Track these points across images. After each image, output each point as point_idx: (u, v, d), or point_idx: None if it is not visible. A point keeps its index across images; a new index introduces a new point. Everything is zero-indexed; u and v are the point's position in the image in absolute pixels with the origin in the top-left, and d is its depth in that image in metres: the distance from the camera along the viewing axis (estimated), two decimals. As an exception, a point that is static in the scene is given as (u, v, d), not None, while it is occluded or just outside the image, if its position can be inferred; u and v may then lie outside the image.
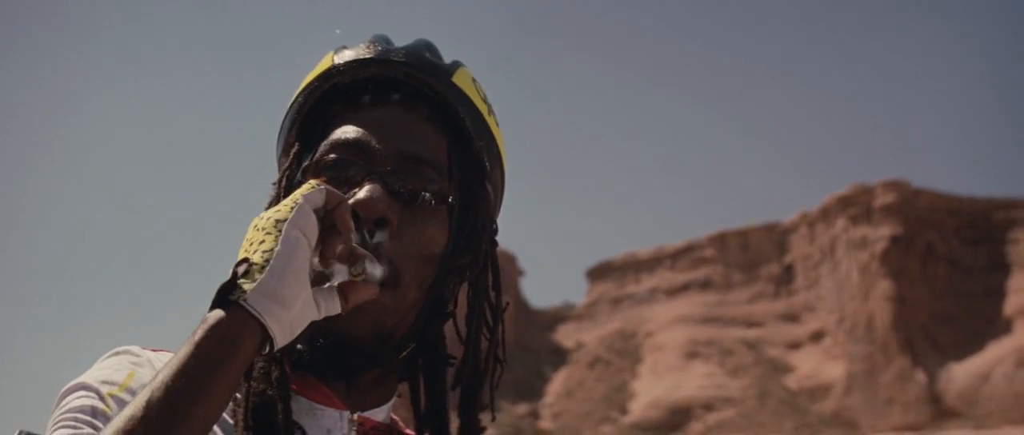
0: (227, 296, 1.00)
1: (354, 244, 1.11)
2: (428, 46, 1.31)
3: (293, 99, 1.32)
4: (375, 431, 1.27)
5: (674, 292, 74.46)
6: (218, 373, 0.97)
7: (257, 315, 1.00)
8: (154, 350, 1.21)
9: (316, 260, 1.08)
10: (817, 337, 67.40)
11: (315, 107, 1.29)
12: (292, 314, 1.03)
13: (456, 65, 1.31)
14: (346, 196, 1.13)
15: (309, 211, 1.06)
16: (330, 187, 1.10)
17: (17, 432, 0.94)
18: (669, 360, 68.23)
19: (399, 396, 1.32)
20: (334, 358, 1.19)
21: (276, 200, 1.26)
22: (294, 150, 1.29)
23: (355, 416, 1.24)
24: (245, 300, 1.00)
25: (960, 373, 59.11)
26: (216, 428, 1.11)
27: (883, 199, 64.69)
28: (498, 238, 1.35)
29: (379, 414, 1.27)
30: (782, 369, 66.31)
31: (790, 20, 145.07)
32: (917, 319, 61.82)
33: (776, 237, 73.19)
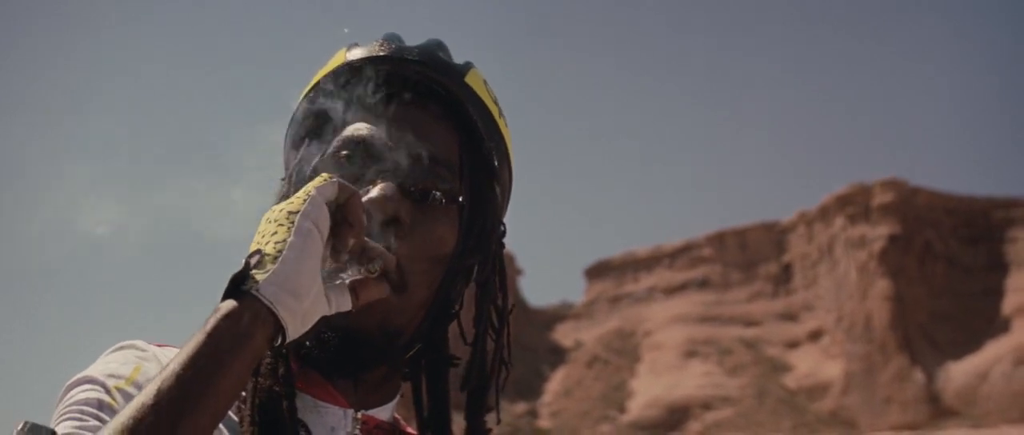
0: (239, 286, 1.00)
1: (366, 240, 1.10)
2: (440, 46, 1.31)
3: (303, 94, 1.31)
4: (379, 430, 1.26)
5: (672, 291, 74.45)
6: (231, 363, 0.96)
7: (270, 305, 0.99)
8: (159, 345, 1.20)
9: (327, 255, 1.07)
10: (815, 336, 67.40)
11: (325, 104, 1.28)
12: (305, 306, 1.02)
13: (468, 66, 1.31)
14: (359, 192, 1.12)
15: (322, 204, 1.05)
16: (343, 181, 1.09)
17: (23, 423, 0.94)
18: (667, 359, 68.22)
19: (401, 395, 1.32)
20: (342, 355, 1.19)
21: (286, 195, 1.24)
22: (304, 146, 1.28)
23: (359, 414, 1.23)
24: (258, 290, 0.99)
25: (958, 372, 59.13)
26: (221, 426, 1.09)
27: (881, 198, 64.69)
28: (504, 240, 1.35)
29: (383, 413, 1.27)
30: (780, 368, 66.31)
31: (789, 20, 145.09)
32: (915, 318, 61.84)
33: (774, 236, 73.19)
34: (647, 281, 76.26)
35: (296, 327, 1.02)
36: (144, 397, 0.93)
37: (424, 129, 1.24)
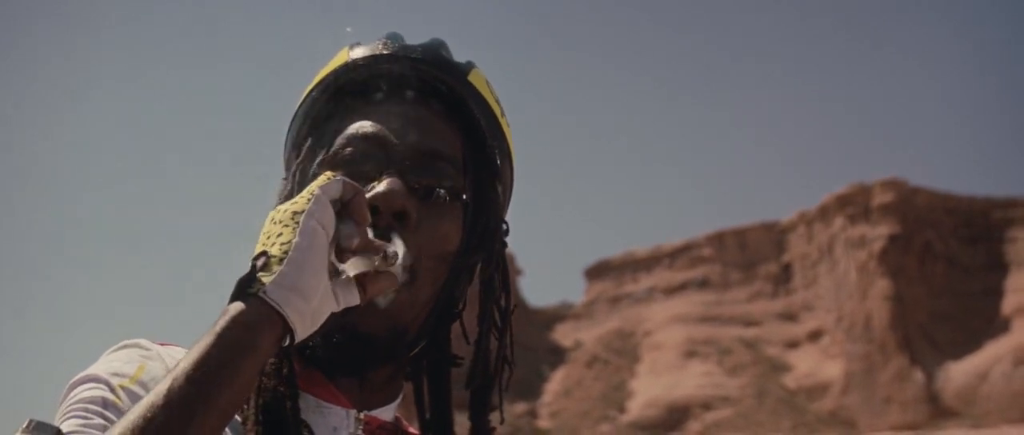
0: (246, 289, 0.99)
1: (371, 236, 1.09)
2: (443, 45, 1.31)
3: (306, 93, 1.31)
4: (381, 430, 1.26)
5: (672, 291, 74.46)
6: (239, 365, 0.96)
7: (277, 307, 0.99)
8: (162, 344, 1.20)
9: (332, 252, 1.06)
10: (815, 336, 67.42)
11: (328, 102, 1.29)
12: (312, 306, 1.02)
13: (470, 65, 1.31)
14: (364, 189, 1.11)
15: (326, 202, 1.05)
16: (346, 178, 1.09)
17: (27, 421, 0.94)
18: (667, 359, 68.24)
19: (402, 396, 1.32)
20: (348, 354, 1.19)
21: (289, 194, 1.24)
22: (307, 144, 1.28)
23: (362, 415, 1.23)
24: (265, 292, 0.99)
25: (958, 372, 59.14)
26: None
27: (881, 198, 64.71)
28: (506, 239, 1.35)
29: (386, 413, 1.27)
30: (780, 368, 66.33)
31: (788, 19, 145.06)
32: (915, 318, 61.85)
33: (774, 236, 73.21)
34: (647, 281, 76.28)
35: (305, 328, 1.02)
36: (153, 398, 0.93)
37: (428, 126, 1.24)
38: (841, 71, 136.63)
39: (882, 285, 62.36)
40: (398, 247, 1.12)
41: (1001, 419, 55.68)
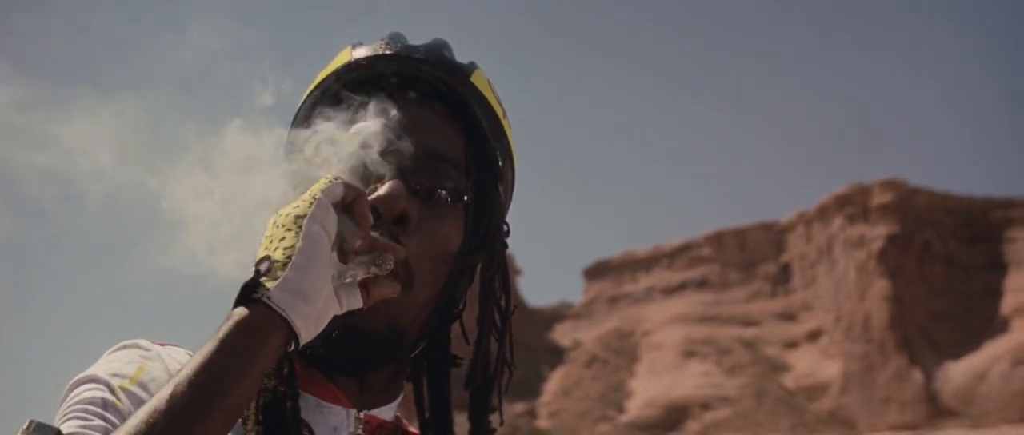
0: (250, 294, 1.00)
1: (374, 236, 1.10)
2: (445, 45, 1.30)
3: (307, 93, 1.31)
4: (381, 429, 1.25)
5: (671, 291, 74.44)
6: (244, 370, 0.97)
7: (282, 313, 0.99)
8: (162, 344, 1.20)
9: (335, 254, 1.07)
10: (814, 336, 67.41)
11: (330, 102, 1.27)
12: (317, 310, 1.02)
13: (473, 66, 1.31)
14: (366, 191, 1.12)
15: (329, 206, 1.05)
16: (348, 181, 1.09)
17: (28, 422, 0.94)
18: (666, 359, 68.22)
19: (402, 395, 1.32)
20: (348, 354, 1.18)
21: (290, 196, 1.22)
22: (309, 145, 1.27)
23: (362, 414, 1.23)
24: (269, 298, 0.99)
25: (957, 372, 59.14)
26: None
27: (880, 198, 64.69)
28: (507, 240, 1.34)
29: (386, 413, 1.26)
30: (779, 368, 66.32)
31: (787, 19, 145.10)
32: (914, 318, 61.85)
33: (773, 236, 73.19)
34: (646, 281, 76.25)
35: (309, 332, 1.03)
36: (156, 403, 0.94)
37: (430, 127, 1.23)
38: (840, 71, 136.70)
39: (881, 285, 62.36)
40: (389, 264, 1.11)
41: (1000, 419, 55.69)
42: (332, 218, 1.05)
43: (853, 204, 66.36)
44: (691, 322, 70.94)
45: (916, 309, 62.34)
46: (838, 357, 64.18)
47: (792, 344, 68.12)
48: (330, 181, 1.07)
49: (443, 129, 1.24)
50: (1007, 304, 61.56)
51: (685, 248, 76.33)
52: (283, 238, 1.03)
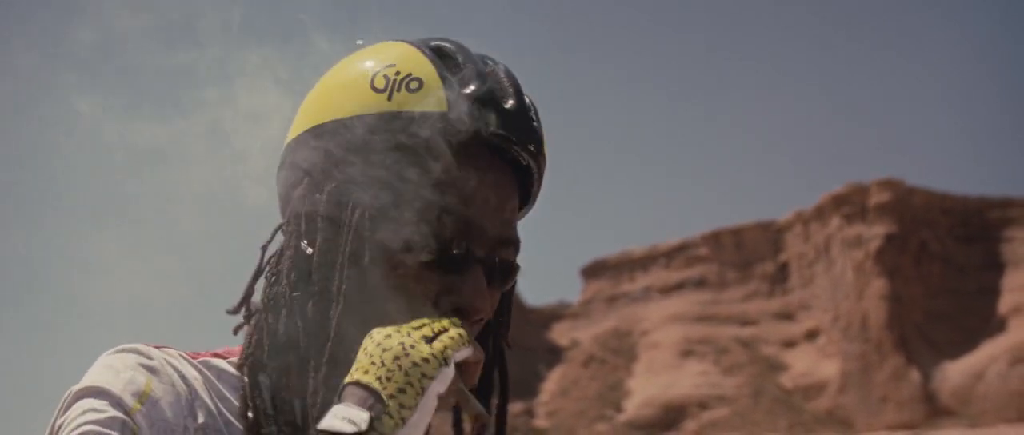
0: None
1: (465, 392, 1.04)
2: (534, 107, 1.17)
3: (371, 111, 1.12)
4: None
5: (669, 291, 74.48)
6: None
7: None
8: (157, 346, 1.13)
9: None
10: (812, 335, 67.47)
11: (410, 142, 1.12)
12: None
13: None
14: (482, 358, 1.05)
15: (453, 371, 0.99)
16: (477, 346, 1.03)
17: None
18: (664, 358, 68.27)
19: None
20: None
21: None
22: (378, 197, 1.15)
23: None
24: None
25: (954, 372, 59.22)
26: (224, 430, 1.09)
27: (878, 198, 64.76)
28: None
29: None
30: (777, 367, 66.38)
31: (785, 20, 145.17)
32: (911, 318, 61.92)
33: (771, 236, 73.24)
34: (643, 280, 76.28)
35: None
36: None
37: (509, 206, 1.14)
38: (838, 71, 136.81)
39: (878, 284, 62.42)
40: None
41: (997, 418, 55.77)
42: (450, 377, 0.99)
43: (851, 204, 66.42)
44: (689, 321, 70.98)
45: (913, 308, 62.42)
46: (836, 356, 64.24)
47: (790, 343, 68.18)
48: (462, 340, 1.01)
49: (515, 205, 1.15)
50: (1004, 303, 61.64)
51: (683, 247, 76.36)
52: (402, 389, 0.95)
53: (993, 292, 62.81)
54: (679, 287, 74.35)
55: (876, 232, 63.95)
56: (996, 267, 64.20)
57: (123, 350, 1.10)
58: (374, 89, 1.11)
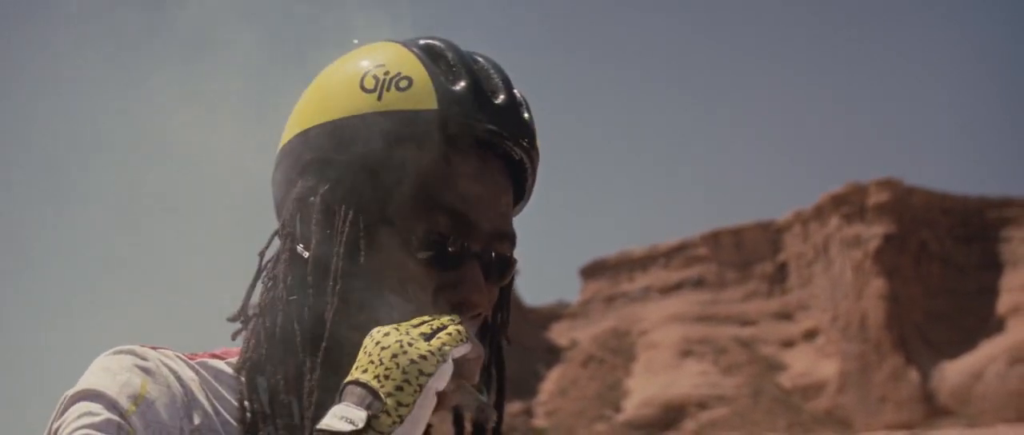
0: None
1: (468, 388, 1.04)
2: (525, 101, 1.18)
3: (374, 109, 1.13)
4: None
5: (668, 290, 74.48)
6: None
7: None
8: (153, 347, 1.13)
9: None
10: (811, 335, 67.50)
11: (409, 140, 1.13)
12: None
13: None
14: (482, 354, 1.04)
15: (451, 368, 0.99)
16: (476, 341, 1.02)
17: None
18: (663, 358, 68.28)
19: None
20: None
21: (347, 225, 1.11)
22: (372, 190, 1.16)
23: None
24: None
25: (953, 371, 59.25)
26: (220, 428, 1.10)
27: (877, 198, 64.79)
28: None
29: None
30: (776, 367, 66.40)
31: (785, 19, 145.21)
32: (910, 317, 61.95)
33: (770, 235, 73.26)
34: (642, 280, 76.29)
35: None
36: None
37: (504, 201, 1.15)
38: (838, 71, 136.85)
39: (877, 284, 62.44)
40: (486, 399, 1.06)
41: (996, 418, 55.80)
42: (449, 373, 0.99)
43: (850, 204, 66.45)
44: (688, 321, 70.99)
45: (912, 308, 62.44)
46: (834, 356, 64.27)
47: (788, 343, 68.21)
48: (461, 337, 1.00)
49: (509, 200, 1.16)
50: (1003, 303, 61.68)
51: (682, 247, 76.37)
52: (400, 387, 0.95)
53: (992, 292, 62.85)
54: (678, 287, 74.35)
55: (875, 232, 63.98)
56: (995, 267, 64.23)
57: (119, 352, 1.10)
58: (364, 89, 1.11)
